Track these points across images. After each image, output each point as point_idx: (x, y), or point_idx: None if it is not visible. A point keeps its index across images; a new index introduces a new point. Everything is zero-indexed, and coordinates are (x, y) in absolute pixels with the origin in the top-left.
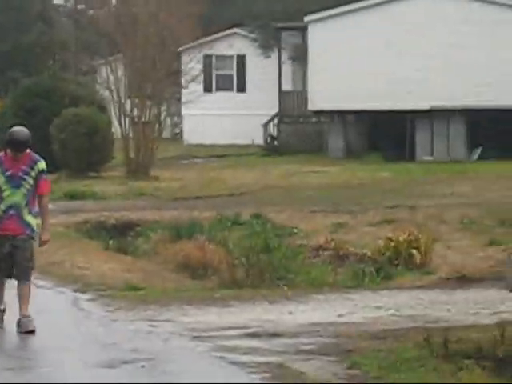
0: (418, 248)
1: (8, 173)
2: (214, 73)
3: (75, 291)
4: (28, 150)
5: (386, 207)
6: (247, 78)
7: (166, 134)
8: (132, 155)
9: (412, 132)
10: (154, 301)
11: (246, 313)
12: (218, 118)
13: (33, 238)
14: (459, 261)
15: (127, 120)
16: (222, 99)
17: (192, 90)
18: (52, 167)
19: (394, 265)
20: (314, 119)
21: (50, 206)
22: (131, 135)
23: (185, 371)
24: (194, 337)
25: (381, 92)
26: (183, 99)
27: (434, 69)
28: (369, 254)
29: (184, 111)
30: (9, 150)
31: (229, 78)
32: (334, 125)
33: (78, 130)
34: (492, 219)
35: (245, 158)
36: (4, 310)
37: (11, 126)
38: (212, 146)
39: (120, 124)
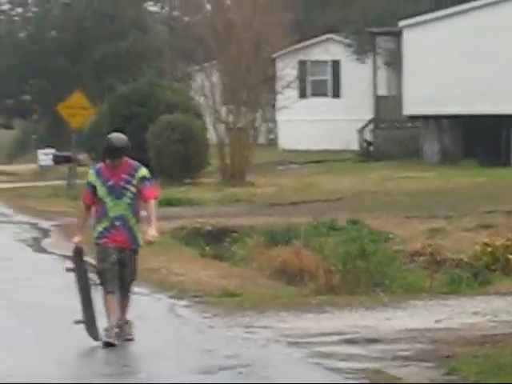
0: None
1: (109, 183)
2: (309, 78)
3: (172, 298)
4: (127, 158)
5: (483, 212)
6: (342, 84)
7: (260, 139)
8: (227, 161)
9: (507, 137)
10: (250, 307)
11: (342, 319)
12: (313, 123)
13: (137, 252)
14: None
15: (222, 126)
16: (316, 105)
17: (287, 96)
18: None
19: (490, 270)
20: (409, 124)
21: (144, 213)
22: (226, 141)
23: (282, 377)
24: (291, 343)
25: (475, 96)
26: (278, 105)
27: None
28: (465, 259)
29: (279, 117)
30: (108, 159)
31: (324, 84)
32: (429, 130)
33: (173, 136)
34: None
35: (340, 163)
36: (120, 327)
37: (108, 133)
38: (307, 152)
39: (215, 130)
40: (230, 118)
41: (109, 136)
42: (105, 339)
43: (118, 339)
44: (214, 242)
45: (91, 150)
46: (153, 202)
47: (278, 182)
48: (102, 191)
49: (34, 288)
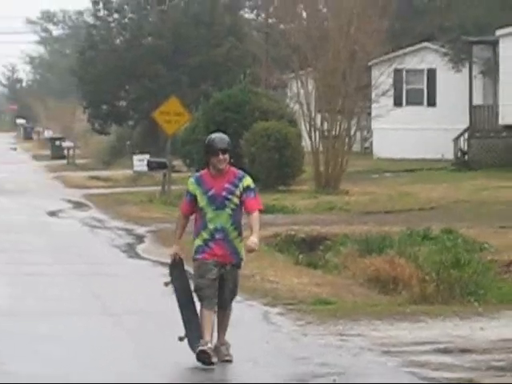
0: None
1: (210, 193)
2: (405, 87)
3: (265, 305)
4: (230, 166)
5: None
6: (437, 92)
7: (355, 147)
8: (322, 169)
9: None
10: (343, 315)
11: (436, 328)
12: (408, 132)
13: (239, 267)
14: None
15: (317, 134)
16: (412, 113)
17: (382, 104)
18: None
19: None
20: (504, 134)
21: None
22: (321, 149)
23: None
24: (384, 351)
25: None
26: (373, 113)
27: None
28: None
29: (374, 125)
30: (210, 168)
31: (419, 92)
32: None
33: (268, 143)
34: None
35: (434, 172)
36: (216, 348)
37: (207, 138)
38: (401, 161)
39: (310, 138)
40: (325, 126)
41: (210, 136)
42: (200, 348)
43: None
44: (307, 249)
45: (186, 156)
46: (257, 214)
47: (373, 191)
48: (202, 201)
49: (128, 294)
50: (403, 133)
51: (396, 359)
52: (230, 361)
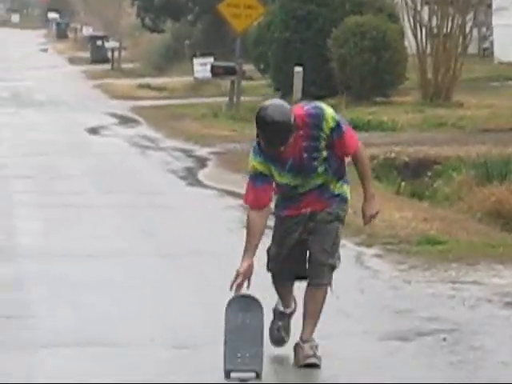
0: None
1: (289, 163)
2: None
3: (358, 245)
4: (301, 108)
5: None
6: None
7: (472, 49)
8: (429, 76)
9: None
10: (457, 258)
11: (508, 276)
12: None
13: (341, 220)
14: None
15: (424, 31)
16: None
17: None
18: (330, 90)
19: None
20: None
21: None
22: (429, 51)
23: (499, 347)
24: (508, 303)
25: None
26: (494, 5)
27: None
28: None
29: (495, 21)
30: (263, 145)
31: None
32: None
33: (362, 44)
34: None
35: None
36: (298, 347)
37: (284, 40)
38: None
39: (415, 37)
40: (434, 22)
41: (262, 106)
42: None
43: (298, 366)
44: (411, 176)
45: (259, 59)
46: (363, 154)
47: (494, 103)
48: (283, 178)
49: (187, 230)
50: None
51: None
52: (316, 365)
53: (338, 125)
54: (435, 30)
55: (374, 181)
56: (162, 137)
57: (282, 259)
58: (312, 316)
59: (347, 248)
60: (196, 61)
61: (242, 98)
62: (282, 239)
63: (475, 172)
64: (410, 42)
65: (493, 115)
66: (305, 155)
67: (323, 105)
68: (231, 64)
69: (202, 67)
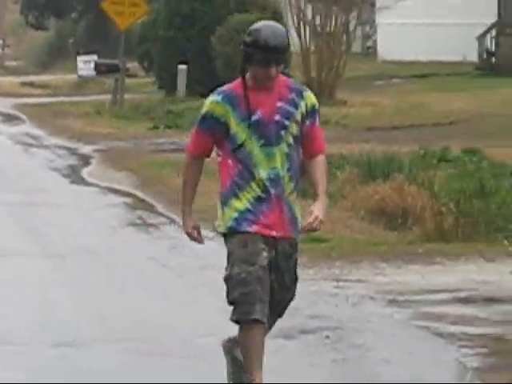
0: None
1: (254, 117)
2: None
3: None
4: (282, 74)
5: None
6: None
7: (355, 47)
8: (313, 74)
9: None
10: (340, 256)
11: (455, 272)
12: (421, 28)
13: (297, 246)
14: None
15: (308, 30)
16: (426, 4)
17: None
18: (214, 88)
19: None
20: None
21: None
22: (312, 49)
23: (379, 343)
24: (391, 301)
25: None
26: (378, 4)
27: None
28: None
29: (379, 19)
30: (255, 68)
31: None
32: None
33: None
34: None
35: (454, 78)
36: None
37: (168, 38)
38: (412, 64)
39: (299, 35)
40: (318, 20)
41: (255, 27)
42: None
43: None
44: None
45: (143, 57)
46: (323, 159)
47: (377, 101)
48: (241, 132)
49: (72, 229)
50: (415, 29)
51: (405, 310)
52: None
53: (316, 111)
54: (319, 29)
55: None
56: (46, 135)
57: (256, 280)
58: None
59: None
60: (79, 58)
61: (126, 96)
62: (252, 257)
63: (358, 170)
64: (293, 41)
65: (376, 113)
66: (276, 117)
67: None
68: (115, 62)
69: (85, 65)
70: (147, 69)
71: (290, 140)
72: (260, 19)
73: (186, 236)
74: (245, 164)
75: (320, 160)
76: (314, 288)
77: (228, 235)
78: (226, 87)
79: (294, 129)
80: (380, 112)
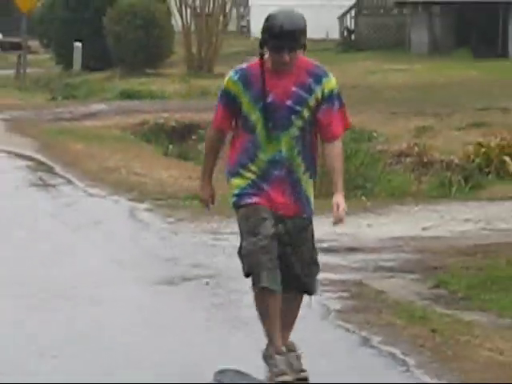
0: (510, 155)
1: (267, 100)
2: None
3: (131, 200)
4: (301, 56)
5: (476, 109)
6: None
7: (231, 26)
8: (194, 51)
9: (505, 26)
10: (218, 211)
11: (318, 225)
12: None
13: (311, 222)
14: None
15: (188, 11)
16: None
17: None
18: (106, 63)
19: (484, 173)
20: (395, 11)
21: (103, 105)
22: (193, 28)
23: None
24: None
25: None
26: None
27: None
28: (456, 160)
29: (252, 1)
30: (271, 52)
31: None
32: (417, 17)
33: (134, 22)
34: None
35: (318, 53)
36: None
37: (65, 18)
38: None
39: (181, 16)
40: (198, 2)
41: (271, 14)
42: (279, 379)
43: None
44: (178, 139)
45: (43, 35)
46: (337, 145)
47: None
48: (252, 113)
49: None
50: None
51: None
52: (306, 379)
53: (334, 96)
54: (199, 10)
55: (145, 143)
56: None
57: (260, 249)
58: (290, 325)
59: (121, 203)
60: None
61: (28, 71)
62: (255, 227)
63: None
64: (176, 21)
65: None
66: (288, 102)
67: None
68: (18, 40)
69: None
70: (47, 46)
71: (302, 124)
72: (146, 2)
73: (81, 194)
74: (251, 144)
75: (335, 145)
76: (195, 240)
77: (235, 211)
78: (245, 65)
79: (307, 113)
80: None
